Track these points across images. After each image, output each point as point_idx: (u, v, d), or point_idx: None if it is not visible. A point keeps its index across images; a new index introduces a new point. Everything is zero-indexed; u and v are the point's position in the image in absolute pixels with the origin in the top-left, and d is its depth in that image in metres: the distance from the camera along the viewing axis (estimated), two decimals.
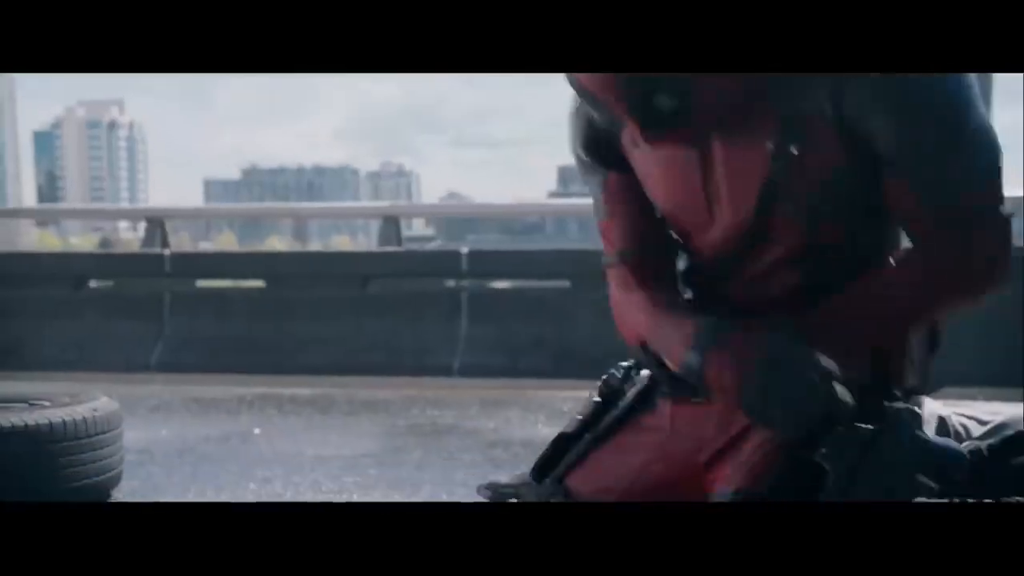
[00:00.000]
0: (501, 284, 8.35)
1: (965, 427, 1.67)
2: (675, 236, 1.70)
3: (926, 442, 1.44)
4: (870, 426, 1.45)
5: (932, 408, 1.62)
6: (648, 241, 1.71)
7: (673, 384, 1.63)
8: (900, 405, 1.50)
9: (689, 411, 1.64)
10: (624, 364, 1.75)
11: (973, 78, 1.52)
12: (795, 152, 1.53)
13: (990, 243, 1.54)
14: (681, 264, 1.71)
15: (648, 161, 1.64)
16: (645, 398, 1.70)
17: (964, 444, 1.52)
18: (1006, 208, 1.55)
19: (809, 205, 1.56)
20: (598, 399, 1.74)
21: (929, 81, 1.49)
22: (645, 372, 1.70)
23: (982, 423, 1.69)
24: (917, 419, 1.50)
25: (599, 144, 1.70)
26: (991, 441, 1.58)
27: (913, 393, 1.59)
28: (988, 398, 5.52)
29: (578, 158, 1.74)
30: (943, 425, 1.64)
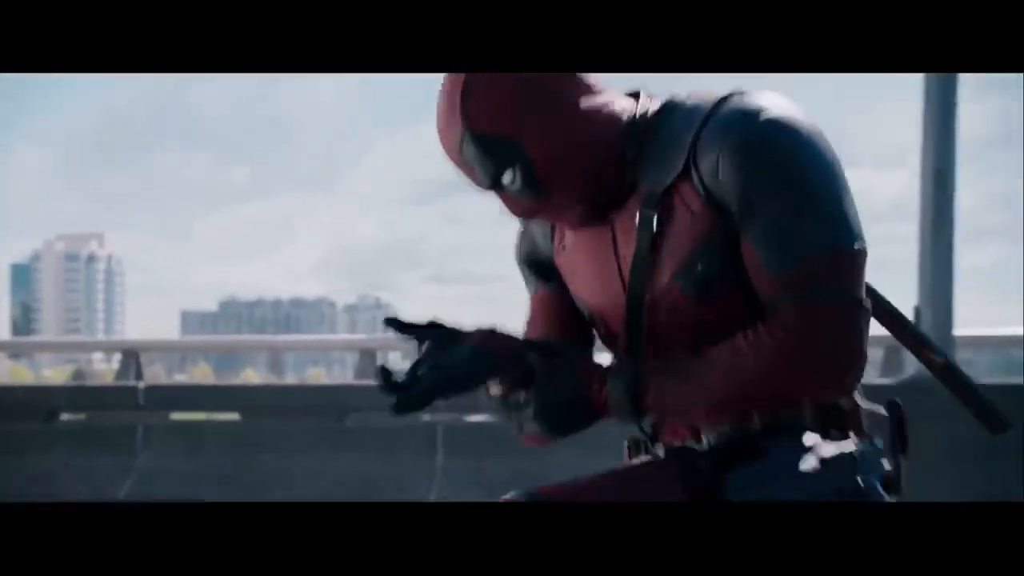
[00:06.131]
0: (477, 418, 8.32)
1: None
2: (599, 338, 1.76)
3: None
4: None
5: None
6: None
7: None
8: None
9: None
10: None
11: (838, 168, 1.49)
12: (659, 224, 1.53)
13: (834, 322, 1.47)
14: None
15: (573, 253, 1.71)
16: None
17: None
18: (857, 295, 1.49)
19: (694, 275, 1.53)
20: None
21: (788, 152, 1.46)
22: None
23: None
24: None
25: (538, 260, 1.83)
26: None
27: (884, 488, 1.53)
28: None
29: (521, 271, 1.87)
30: None
